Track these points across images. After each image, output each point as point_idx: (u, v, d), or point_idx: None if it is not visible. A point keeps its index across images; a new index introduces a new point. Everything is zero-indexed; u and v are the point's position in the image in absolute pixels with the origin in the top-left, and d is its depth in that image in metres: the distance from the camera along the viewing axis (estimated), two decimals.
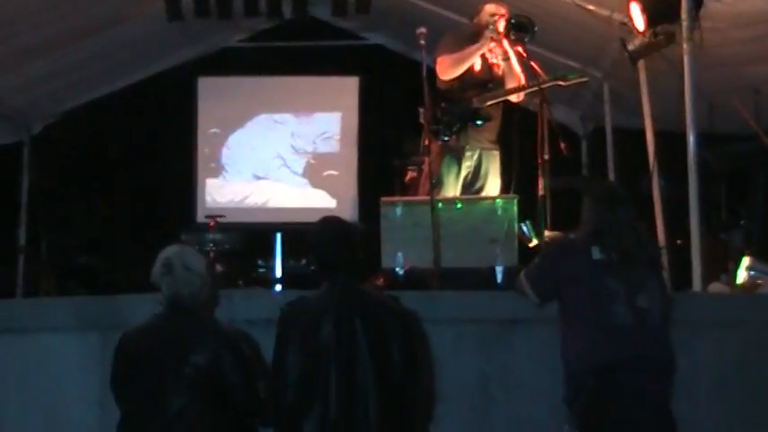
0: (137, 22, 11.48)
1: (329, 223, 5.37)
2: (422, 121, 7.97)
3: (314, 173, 13.45)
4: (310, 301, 5.10)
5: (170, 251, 5.32)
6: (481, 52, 8.22)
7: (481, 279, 7.37)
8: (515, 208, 7.61)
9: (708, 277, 7.45)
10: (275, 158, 13.53)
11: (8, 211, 12.83)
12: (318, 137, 13.49)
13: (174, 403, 5.01)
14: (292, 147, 13.53)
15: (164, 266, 5.22)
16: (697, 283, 7.17)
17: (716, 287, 7.75)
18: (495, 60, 8.35)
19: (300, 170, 13.50)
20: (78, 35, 10.87)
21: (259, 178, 13.49)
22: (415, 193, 8.84)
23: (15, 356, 6.44)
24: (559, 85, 8.07)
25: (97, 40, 11.27)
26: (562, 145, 7.56)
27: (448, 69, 8.21)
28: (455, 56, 8.20)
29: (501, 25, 8.13)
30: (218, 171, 13.52)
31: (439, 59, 8.26)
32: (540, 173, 7.51)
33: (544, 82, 7.82)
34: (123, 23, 11.31)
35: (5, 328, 6.48)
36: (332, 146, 13.53)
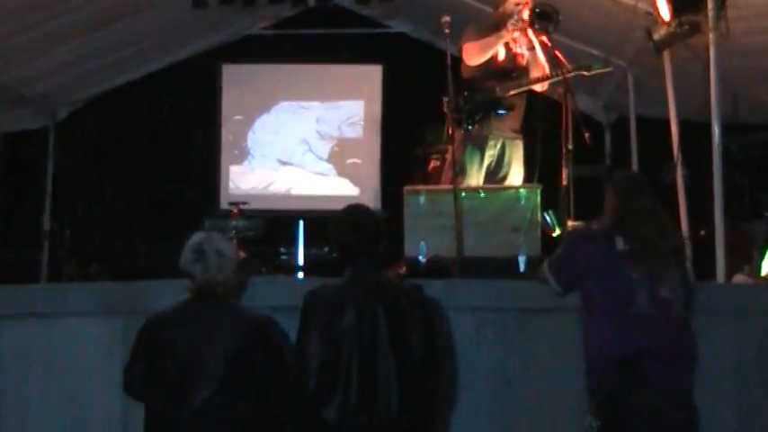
0: (161, 9, 11.49)
1: (352, 211, 5.37)
2: (445, 109, 7.97)
3: (337, 160, 13.44)
4: (332, 289, 5.11)
5: (200, 237, 5.33)
6: (506, 40, 8.20)
7: (503, 268, 7.35)
8: (538, 197, 7.59)
9: (731, 268, 7.42)
10: (300, 143, 13.51)
11: (33, 197, 12.89)
12: (343, 122, 13.48)
13: (200, 392, 5.02)
14: (317, 132, 13.52)
15: (195, 252, 5.22)
16: (720, 274, 7.13)
17: (739, 278, 7.74)
18: (519, 50, 8.33)
19: (325, 155, 13.48)
20: (103, 21, 10.89)
21: (284, 163, 13.47)
22: (438, 182, 8.82)
23: (39, 341, 6.46)
24: (583, 75, 8.04)
25: (122, 27, 11.29)
26: (586, 134, 7.53)
27: (474, 56, 8.20)
28: (480, 42, 8.18)
29: (525, 14, 8.11)
30: (241, 158, 13.52)
31: (465, 46, 8.24)
32: (563, 162, 7.49)
33: (568, 72, 7.79)
34: (148, 10, 11.33)
35: (29, 313, 6.50)
36: (356, 132, 13.50)
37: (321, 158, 13.49)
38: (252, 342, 5.08)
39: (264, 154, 13.55)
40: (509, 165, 8.30)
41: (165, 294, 5.80)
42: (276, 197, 13.33)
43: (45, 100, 12.43)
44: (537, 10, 8.02)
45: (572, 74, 7.86)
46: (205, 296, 5.19)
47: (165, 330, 5.17)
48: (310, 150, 13.51)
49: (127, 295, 6.52)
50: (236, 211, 11.15)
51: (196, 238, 5.32)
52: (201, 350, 5.05)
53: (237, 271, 5.35)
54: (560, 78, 7.80)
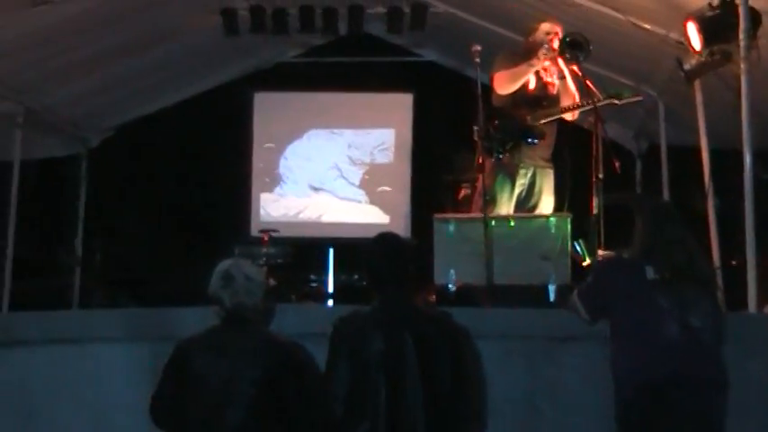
0: (193, 37, 11.59)
1: (383, 239, 5.39)
2: (475, 138, 7.98)
3: (368, 188, 13.47)
4: (361, 316, 5.12)
5: (228, 263, 5.35)
6: (536, 68, 8.22)
7: (533, 296, 7.35)
8: (568, 226, 7.59)
9: (763, 298, 7.37)
10: (332, 169, 13.55)
11: (65, 223, 12.97)
12: (374, 149, 13.51)
13: (230, 418, 5.02)
14: (349, 158, 13.55)
15: (224, 278, 5.24)
16: (752, 304, 7.08)
17: None
18: (549, 79, 8.35)
19: (357, 181, 13.52)
20: (135, 49, 10.99)
21: (315, 189, 13.51)
22: (468, 210, 8.83)
23: (68, 366, 6.50)
24: (614, 104, 8.05)
25: (153, 54, 11.40)
26: (616, 163, 7.52)
27: (504, 84, 8.22)
28: (511, 71, 8.21)
29: (556, 44, 8.13)
30: (272, 185, 13.58)
31: (496, 75, 8.26)
32: (593, 191, 7.48)
33: (599, 100, 7.79)
34: (179, 37, 11.43)
35: (59, 339, 6.53)
36: (386, 159, 13.53)
37: (352, 184, 13.52)
38: (281, 368, 5.08)
39: (296, 179, 13.61)
40: (540, 193, 8.30)
41: (194, 321, 5.82)
42: (306, 224, 13.37)
43: (76, 127, 12.55)
44: (568, 39, 8.04)
45: (603, 103, 7.87)
46: (234, 322, 5.19)
47: (195, 356, 5.17)
48: (342, 176, 13.55)
49: (155, 321, 6.56)
50: (266, 238, 11.19)
51: (224, 264, 5.35)
52: (231, 376, 5.05)
53: (266, 298, 5.36)
54: (591, 107, 7.79)
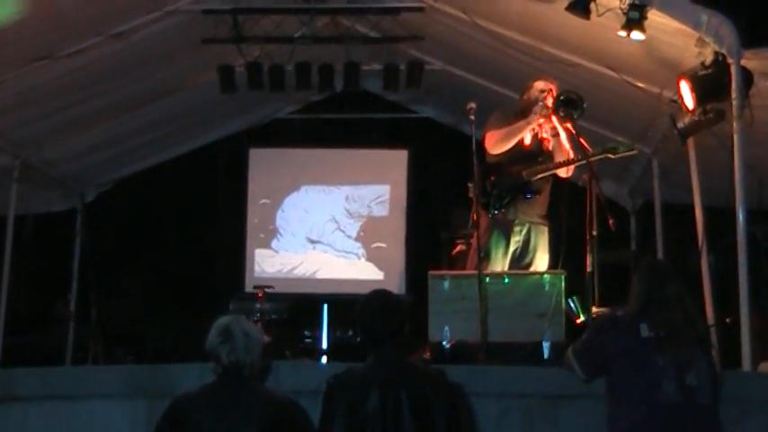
0: (190, 92, 11.65)
1: (377, 296, 5.37)
2: (471, 194, 8.00)
3: (363, 244, 13.48)
4: (356, 374, 5.11)
5: (227, 319, 5.32)
6: (530, 129, 8.27)
7: (528, 354, 7.34)
8: (563, 283, 7.60)
9: (757, 357, 7.38)
10: (325, 225, 13.57)
11: (60, 277, 12.96)
12: (370, 203, 13.53)
13: None
14: (346, 210, 13.57)
15: (222, 334, 5.20)
16: (746, 362, 7.09)
17: (765, 367, 7.68)
18: (544, 135, 8.39)
19: (354, 234, 13.53)
20: (132, 105, 11.06)
21: (313, 242, 13.52)
22: (464, 267, 8.81)
23: (63, 423, 6.48)
24: (609, 158, 8.10)
25: (150, 110, 11.47)
26: (611, 220, 7.55)
27: (497, 144, 8.27)
28: (504, 131, 8.25)
29: (550, 101, 8.18)
30: (267, 241, 13.58)
31: (488, 134, 8.31)
32: (588, 248, 7.51)
33: (594, 155, 7.84)
34: (177, 94, 11.49)
35: (54, 395, 6.52)
36: (382, 215, 13.55)
37: (347, 240, 13.54)
38: (278, 425, 5.06)
39: (290, 236, 13.61)
40: (534, 251, 8.31)
41: (190, 377, 5.83)
42: (301, 280, 13.36)
43: (74, 182, 12.60)
44: (562, 97, 8.09)
45: (598, 157, 7.93)
46: (231, 378, 5.17)
47: (192, 413, 5.12)
48: (337, 231, 13.57)
49: (151, 378, 6.55)
50: (260, 294, 11.19)
51: (223, 320, 5.32)
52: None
53: (262, 354, 5.36)
54: (585, 163, 7.84)
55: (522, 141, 8.31)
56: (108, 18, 9.15)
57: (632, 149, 8.47)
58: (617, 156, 8.12)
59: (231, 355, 5.16)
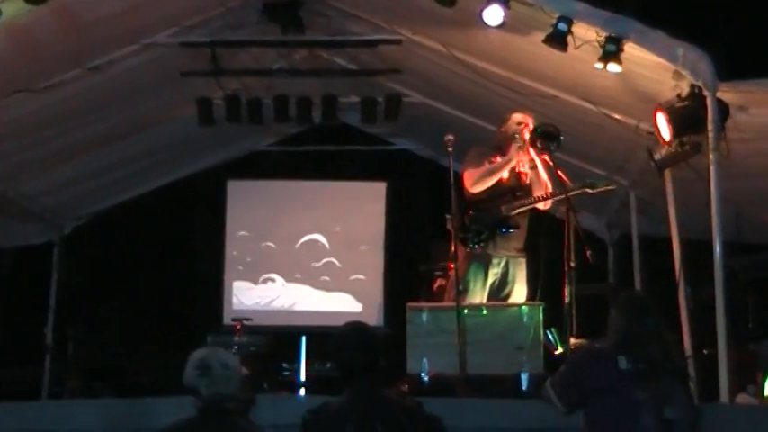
0: (168, 126, 11.65)
1: (351, 330, 5.35)
2: (449, 227, 8.02)
3: (341, 276, 13.46)
4: (331, 408, 5.07)
5: (203, 352, 5.22)
6: (510, 167, 8.30)
7: (507, 386, 7.34)
8: (541, 315, 7.61)
9: (735, 388, 7.38)
10: (304, 257, 13.54)
11: (37, 310, 12.89)
12: (348, 238, 13.53)
13: None
14: (323, 246, 13.55)
15: (200, 367, 5.09)
16: (724, 394, 7.09)
17: (743, 398, 7.69)
18: (522, 169, 8.42)
19: (330, 269, 13.51)
20: (110, 138, 11.05)
21: (289, 277, 13.49)
22: (443, 299, 8.83)
23: None
24: (587, 193, 8.11)
25: (129, 143, 11.46)
26: (588, 252, 7.57)
27: (476, 183, 8.30)
28: (483, 170, 8.29)
29: (527, 134, 8.21)
30: (245, 273, 13.54)
31: (466, 173, 8.34)
32: (566, 280, 7.51)
33: (571, 190, 7.86)
34: (155, 127, 11.49)
35: (33, 430, 6.47)
36: (360, 248, 13.54)
37: (326, 272, 13.51)
38: None
39: (268, 268, 13.57)
40: (512, 283, 8.33)
41: (169, 411, 5.77)
42: (279, 313, 13.31)
43: (52, 215, 12.54)
44: (539, 130, 8.13)
45: (576, 192, 7.94)
46: (213, 412, 5.06)
47: None
48: (315, 264, 13.54)
49: (131, 412, 6.51)
50: (238, 326, 11.14)
51: (199, 353, 5.24)
52: None
53: (244, 387, 5.30)
54: (564, 196, 7.86)
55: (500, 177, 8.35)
56: (86, 51, 9.14)
57: (610, 185, 8.50)
58: (595, 191, 8.16)
59: (210, 388, 5.06)
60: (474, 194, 8.33)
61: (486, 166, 8.32)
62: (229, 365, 5.17)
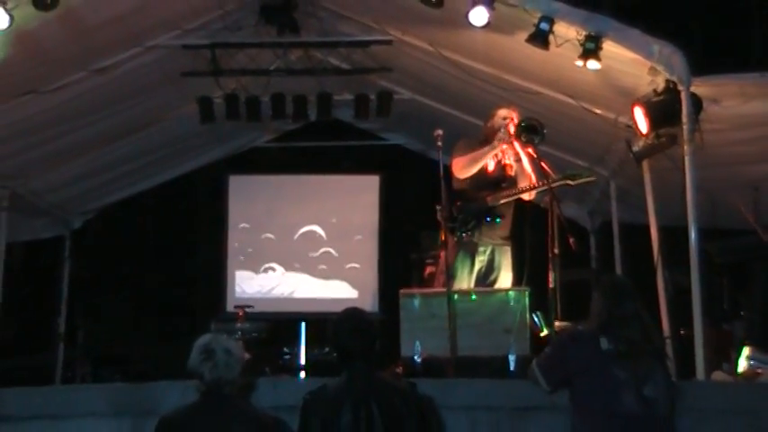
0: (171, 123, 11.65)
1: (348, 315, 5.38)
2: (439, 217, 8.03)
3: (338, 265, 13.47)
4: (330, 390, 5.10)
5: (207, 338, 5.27)
6: (494, 153, 8.31)
7: (495, 367, 7.34)
8: (527, 299, 7.60)
9: (710, 366, 7.41)
10: (303, 247, 13.54)
11: (49, 301, 12.90)
12: (344, 228, 13.53)
13: None
14: (320, 236, 13.55)
15: (204, 353, 5.15)
16: (700, 372, 7.11)
17: (718, 376, 7.70)
18: (507, 161, 8.42)
19: (327, 259, 13.51)
20: (116, 136, 11.05)
21: (287, 266, 13.49)
22: (433, 286, 8.84)
23: None
24: (568, 185, 8.12)
25: (134, 141, 11.46)
26: (571, 240, 7.58)
27: (463, 169, 8.29)
28: (469, 156, 8.28)
29: (512, 128, 8.21)
30: (247, 263, 13.54)
31: (455, 160, 8.34)
32: (550, 266, 7.52)
33: (554, 181, 7.87)
34: (158, 125, 11.49)
35: (42, 414, 6.46)
36: (355, 238, 13.55)
37: (323, 261, 13.52)
38: None
39: (269, 257, 13.57)
40: (499, 269, 8.33)
41: (173, 395, 5.79)
42: (279, 300, 13.32)
43: (60, 210, 12.53)
44: (523, 123, 8.13)
45: (557, 183, 7.94)
46: (214, 395, 5.12)
47: (176, 429, 5.11)
48: (313, 254, 13.54)
49: (136, 396, 6.51)
50: (241, 313, 11.16)
51: (204, 339, 5.28)
52: None
53: (243, 372, 5.32)
54: (546, 188, 7.86)
55: (485, 168, 8.35)
56: (91, 54, 9.14)
57: (591, 177, 8.50)
58: (576, 183, 8.15)
59: (213, 373, 5.11)
60: (461, 183, 8.34)
61: (473, 153, 8.32)
62: (232, 351, 5.20)
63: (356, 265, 13.46)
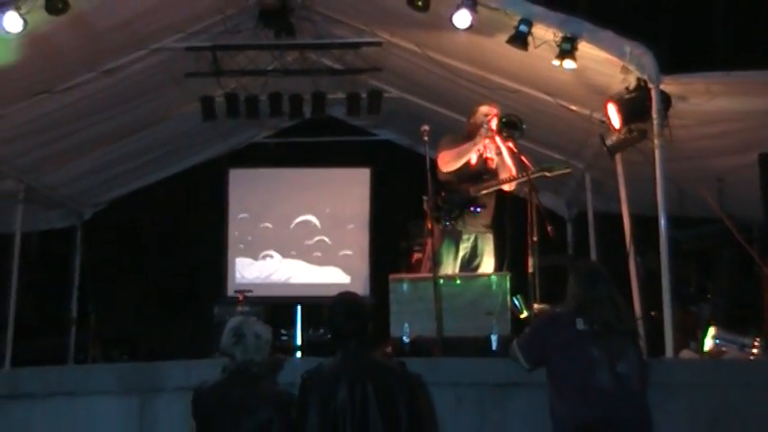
0: (175, 121, 11.63)
1: (343, 298, 5.40)
2: (425, 208, 8.03)
3: (331, 252, 13.46)
4: (326, 369, 5.12)
5: (238, 320, 5.37)
6: (477, 148, 8.30)
7: (478, 346, 7.34)
8: (508, 284, 7.60)
9: (679, 345, 7.44)
10: (299, 236, 13.53)
11: (62, 287, 12.89)
12: (336, 219, 13.52)
13: None
14: (315, 225, 13.54)
15: (235, 335, 5.24)
16: (669, 350, 7.14)
17: (686, 354, 7.74)
18: (489, 155, 8.42)
19: (322, 247, 13.50)
20: (124, 133, 11.03)
21: (284, 254, 13.48)
22: (420, 272, 8.85)
23: (65, 417, 6.44)
24: (545, 176, 8.12)
25: (139, 138, 11.44)
26: (549, 228, 7.59)
27: (448, 163, 8.28)
28: (454, 151, 8.28)
29: (494, 123, 8.21)
30: (246, 251, 13.52)
31: (440, 155, 8.33)
32: (529, 252, 7.53)
33: (533, 173, 7.87)
34: (163, 123, 11.47)
35: (56, 392, 6.48)
36: (348, 228, 13.54)
37: (317, 249, 13.51)
38: (274, 419, 5.09)
39: (267, 246, 13.56)
40: (481, 255, 8.33)
41: (178, 374, 5.80)
42: (277, 285, 13.30)
43: (72, 202, 12.53)
44: (504, 120, 8.14)
45: (535, 175, 7.94)
46: (242, 375, 5.21)
47: (207, 403, 5.18)
48: (309, 242, 13.53)
49: (143, 374, 6.53)
50: (241, 297, 11.17)
51: (235, 321, 5.35)
52: (231, 424, 5.08)
53: (271, 352, 5.40)
54: (525, 179, 7.87)
55: (468, 162, 8.34)
56: (100, 56, 9.13)
57: (567, 169, 8.50)
58: (552, 174, 8.14)
59: (244, 354, 5.22)
60: (446, 175, 8.32)
61: (458, 148, 8.32)
62: (261, 335, 5.32)
63: (349, 252, 13.45)
